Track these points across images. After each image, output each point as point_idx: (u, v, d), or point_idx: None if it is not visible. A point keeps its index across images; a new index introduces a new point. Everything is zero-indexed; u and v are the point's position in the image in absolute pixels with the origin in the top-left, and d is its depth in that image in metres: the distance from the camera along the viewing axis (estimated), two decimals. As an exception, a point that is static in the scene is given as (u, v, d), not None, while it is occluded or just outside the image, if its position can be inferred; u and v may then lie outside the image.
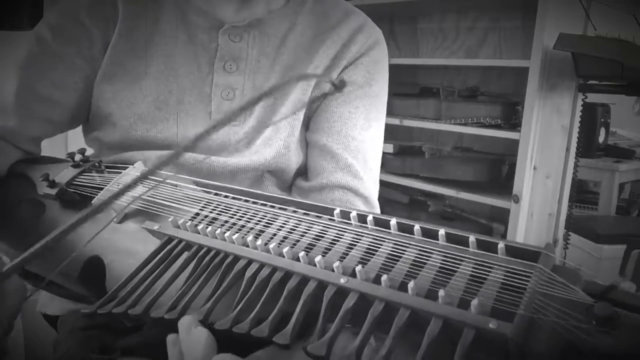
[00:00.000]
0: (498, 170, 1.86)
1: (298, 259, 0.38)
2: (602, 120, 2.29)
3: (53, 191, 0.62)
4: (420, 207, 2.16)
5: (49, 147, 0.81)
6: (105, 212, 0.58)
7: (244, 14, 0.74)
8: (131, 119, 0.71)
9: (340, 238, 0.40)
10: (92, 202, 0.59)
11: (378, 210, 0.79)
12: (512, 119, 1.84)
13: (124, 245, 0.53)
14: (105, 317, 0.44)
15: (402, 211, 2.16)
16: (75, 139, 0.82)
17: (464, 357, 0.28)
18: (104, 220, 0.56)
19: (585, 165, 2.06)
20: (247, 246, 0.42)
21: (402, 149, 2.13)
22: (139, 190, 0.58)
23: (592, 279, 0.31)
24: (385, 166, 2.01)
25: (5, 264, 0.53)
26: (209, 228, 0.45)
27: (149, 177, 0.60)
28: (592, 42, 1.54)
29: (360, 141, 0.75)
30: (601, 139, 2.33)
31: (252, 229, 0.44)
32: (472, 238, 0.34)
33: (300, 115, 0.75)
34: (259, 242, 0.41)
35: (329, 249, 0.39)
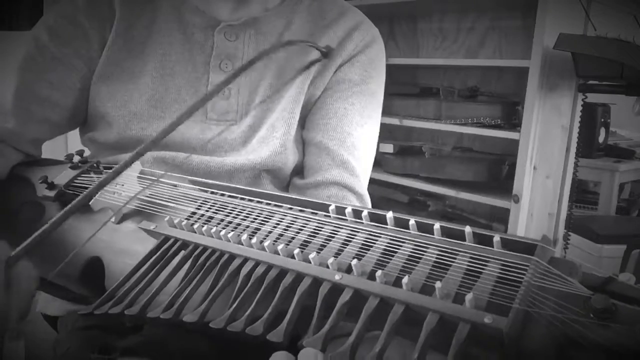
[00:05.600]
0: (498, 170, 1.85)
1: (293, 257, 0.38)
2: (602, 120, 2.29)
3: (52, 193, 0.62)
4: (420, 207, 2.16)
5: (50, 149, 0.81)
6: (103, 212, 0.58)
7: (240, 13, 0.74)
8: (126, 117, 0.71)
9: (336, 234, 0.39)
10: (90, 202, 0.59)
11: (370, 207, 0.79)
12: (512, 119, 1.84)
13: (123, 246, 0.53)
14: (103, 318, 0.44)
15: (402, 211, 2.14)
16: (75, 141, 0.82)
17: (459, 352, 0.28)
18: (102, 221, 0.56)
19: (585, 165, 2.05)
20: (242, 244, 0.42)
21: (402, 149, 2.12)
22: (136, 189, 0.58)
23: (590, 271, 0.30)
24: (385, 166, 2.01)
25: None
26: (205, 227, 0.45)
27: (143, 175, 0.60)
28: (592, 42, 1.54)
29: (356, 137, 0.75)
30: (601, 139, 2.32)
31: (247, 227, 0.44)
32: (467, 230, 0.34)
33: (297, 114, 0.75)
34: (254, 240, 0.41)
35: (324, 246, 0.39)
